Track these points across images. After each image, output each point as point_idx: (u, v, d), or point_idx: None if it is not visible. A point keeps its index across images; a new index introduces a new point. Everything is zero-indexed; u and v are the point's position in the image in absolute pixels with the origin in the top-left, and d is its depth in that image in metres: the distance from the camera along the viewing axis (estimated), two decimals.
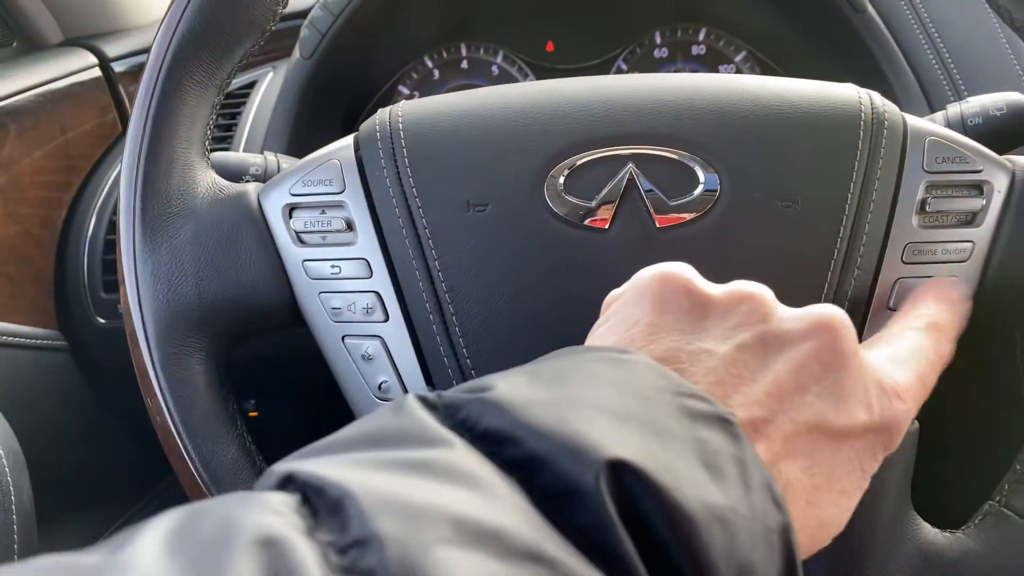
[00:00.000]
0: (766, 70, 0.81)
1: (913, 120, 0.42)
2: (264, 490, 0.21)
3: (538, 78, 0.83)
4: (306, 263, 0.43)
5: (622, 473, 0.22)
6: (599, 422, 0.23)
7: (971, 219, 0.41)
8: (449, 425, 0.23)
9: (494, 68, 0.83)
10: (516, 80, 0.83)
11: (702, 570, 0.22)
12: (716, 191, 0.40)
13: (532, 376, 0.26)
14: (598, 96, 0.42)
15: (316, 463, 0.21)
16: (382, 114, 0.44)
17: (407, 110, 0.44)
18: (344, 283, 0.42)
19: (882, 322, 0.39)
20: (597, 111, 0.41)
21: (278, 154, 0.53)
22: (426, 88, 0.83)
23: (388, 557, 0.18)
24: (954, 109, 0.49)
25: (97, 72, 0.88)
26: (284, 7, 0.46)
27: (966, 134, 0.44)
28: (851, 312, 0.39)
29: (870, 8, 0.70)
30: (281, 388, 0.75)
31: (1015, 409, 0.57)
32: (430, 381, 0.42)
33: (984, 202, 0.41)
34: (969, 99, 0.49)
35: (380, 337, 0.42)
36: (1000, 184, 0.41)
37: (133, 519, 0.87)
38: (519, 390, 0.24)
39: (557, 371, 0.26)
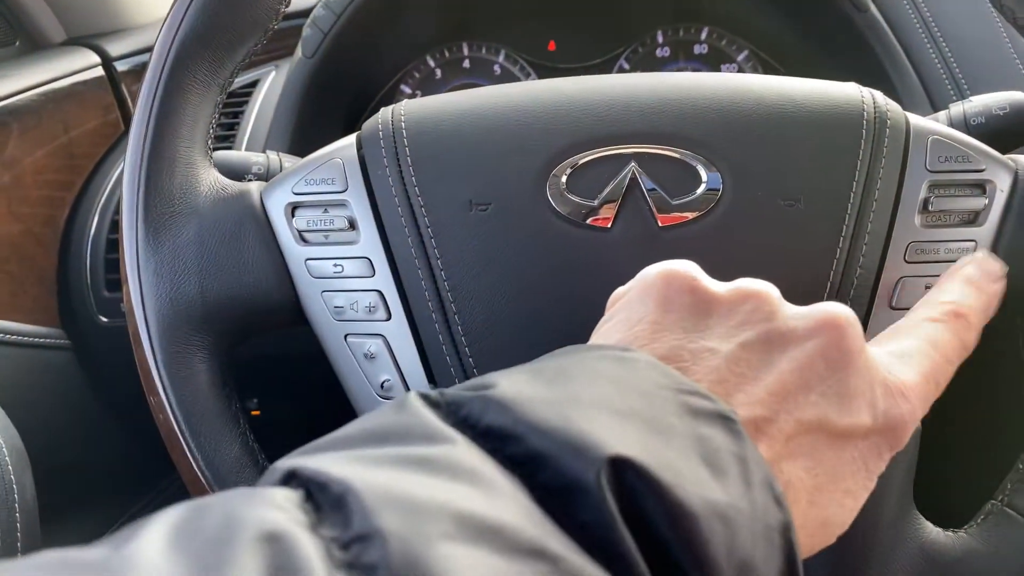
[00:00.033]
0: (768, 69, 0.81)
1: (916, 119, 0.42)
2: (267, 486, 0.21)
3: (540, 77, 0.83)
4: (309, 262, 0.43)
5: (623, 470, 0.22)
6: (601, 419, 0.23)
7: (974, 218, 0.41)
8: (451, 422, 0.23)
9: (496, 67, 0.83)
10: (518, 79, 0.83)
11: (703, 567, 0.22)
12: (718, 190, 0.40)
13: (534, 374, 0.26)
14: (600, 95, 0.42)
15: (319, 459, 0.21)
16: (384, 113, 0.44)
17: (409, 109, 0.44)
18: (346, 282, 0.43)
19: (885, 321, 0.39)
20: (599, 110, 0.41)
21: (280, 153, 0.53)
22: (428, 87, 0.83)
23: (391, 552, 0.18)
24: (957, 108, 0.49)
25: (100, 71, 0.88)
26: (286, 6, 0.46)
27: (969, 133, 0.44)
28: (854, 314, 0.39)
29: (873, 7, 0.70)
30: (283, 387, 0.75)
31: (1017, 408, 0.57)
32: (432, 380, 0.42)
33: (987, 201, 0.41)
34: (972, 98, 0.49)
35: (382, 336, 0.42)
36: (1003, 183, 0.41)
37: (136, 517, 0.87)
38: (521, 388, 0.24)
39: (559, 369, 0.26)
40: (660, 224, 0.40)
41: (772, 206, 0.40)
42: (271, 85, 0.85)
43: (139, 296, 0.43)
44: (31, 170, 0.79)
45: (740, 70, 0.81)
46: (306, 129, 0.74)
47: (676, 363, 0.29)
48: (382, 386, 0.43)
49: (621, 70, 0.83)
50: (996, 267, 0.37)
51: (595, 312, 0.34)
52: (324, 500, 0.20)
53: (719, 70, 0.82)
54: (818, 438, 0.29)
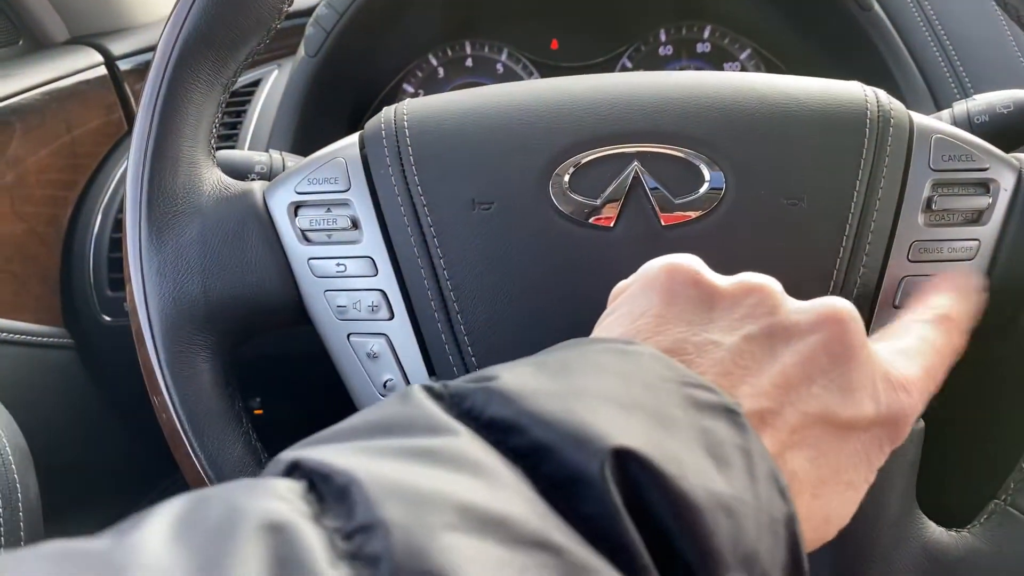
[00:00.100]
0: (771, 68, 0.81)
1: (919, 118, 0.42)
2: (270, 477, 0.21)
3: (543, 76, 0.83)
4: (311, 261, 0.43)
5: (627, 462, 0.22)
6: (604, 411, 0.23)
7: (977, 217, 0.41)
8: (455, 414, 0.23)
9: (499, 66, 0.83)
10: (521, 78, 0.83)
11: (707, 559, 0.22)
12: (721, 189, 0.40)
13: (538, 366, 0.26)
14: (603, 94, 0.42)
15: (322, 451, 0.21)
16: (387, 112, 0.44)
17: (412, 108, 0.44)
18: (349, 281, 0.43)
19: (888, 320, 0.39)
20: (602, 109, 0.41)
21: (283, 152, 0.53)
22: (431, 86, 0.83)
23: (394, 543, 0.18)
24: (960, 107, 0.49)
25: (103, 70, 0.88)
26: (289, 5, 0.46)
27: (972, 132, 0.44)
28: (857, 310, 0.39)
29: (876, 6, 0.70)
30: (286, 386, 0.75)
31: (1020, 408, 0.57)
32: None
33: (990, 200, 0.41)
34: (975, 97, 0.49)
35: (385, 335, 0.42)
36: (1007, 182, 0.41)
37: None
38: (525, 380, 0.24)
39: (563, 362, 0.26)
40: (663, 223, 0.40)
41: (775, 205, 0.40)
42: (274, 84, 0.85)
43: (142, 295, 0.43)
44: (34, 169, 0.80)
45: (743, 69, 0.81)
46: (309, 128, 0.74)
47: (680, 356, 0.29)
48: (385, 385, 0.43)
49: (624, 69, 0.83)
50: (978, 280, 0.39)
51: (598, 311, 0.34)
52: (327, 491, 0.20)
53: (722, 69, 0.82)
54: (822, 430, 0.29)
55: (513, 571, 0.18)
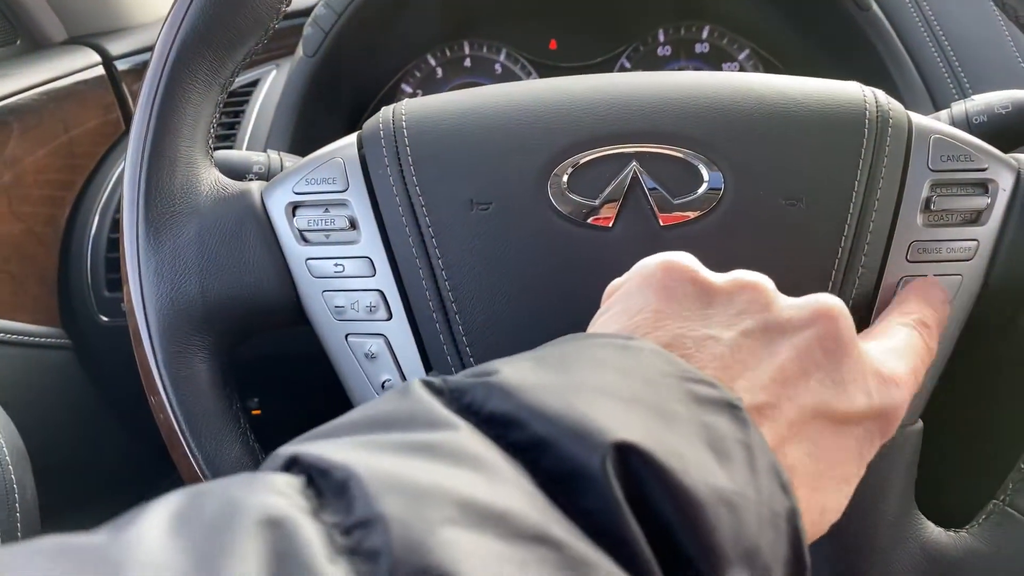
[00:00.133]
0: (770, 68, 0.81)
1: (918, 118, 0.42)
2: (269, 472, 0.21)
3: (541, 76, 0.82)
4: (309, 261, 0.43)
5: (628, 456, 0.22)
6: (605, 406, 0.23)
7: (976, 217, 0.41)
8: (454, 409, 0.23)
9: (497, 66, 0.83)
10: (519, 78, 0.83)
11: (708, 553, 0.22)
12: (720, 189, 0.40)
13: (538, 361, 0.26)
14: (601, 94, 0.42)
15: (321, 445, 0.21)
16: (385, 112, 0.44)
17: (410, 108, 0.44)
18: (347, 281, 0.42)
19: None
20: (600, 109, 0.41)
21: (281, 152, 0.53)
22: (429, 86, 0.83)
23: (393, 538, 0.18)
24: (959, 107, 0.49)
25: (100, 70, 0.88)
26: (288, 5, 0.46)
27: (971, 132, 0.44)
28: (856, 310, 0.39)
29: (875, 5, 0.70)
30: (284, 386, 0.75)
31: (1018, 408, 0.57)
32: None
33: (989, 201, 0.41)
34: (974, 97, 0.49)
35: (383, 336, 0.42)
36: (1005, 182, 0.41)
37: None
38: (524, 374, 0.24)
39: (563, 356, 0.26)
40: (661, 223, 0.40)
41: (774, 205, 0.40)
42: (272, 84, 0.85)
43: (140, 295, 0.43)
44: (32, 169, 0.79)
45: (741, 69, 0.81)
46: (307, 128, 0.74)
47: (679, 351, 0.29)
48: (383, 386, 0.42)
49: (622, 69, 0.83)
50: (944, 291, 0.40)
51: (596, 311, 0.34)
52: (326, 486, 0.20)
53: (720, 69, 0.82)
54: (818, 423, 0.29)
55: (513, 566, 0.18)
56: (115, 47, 0.90)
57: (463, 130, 0.42)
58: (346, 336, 0.43)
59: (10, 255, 0.77)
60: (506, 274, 0.40)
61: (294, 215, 0.43)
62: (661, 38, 0.82)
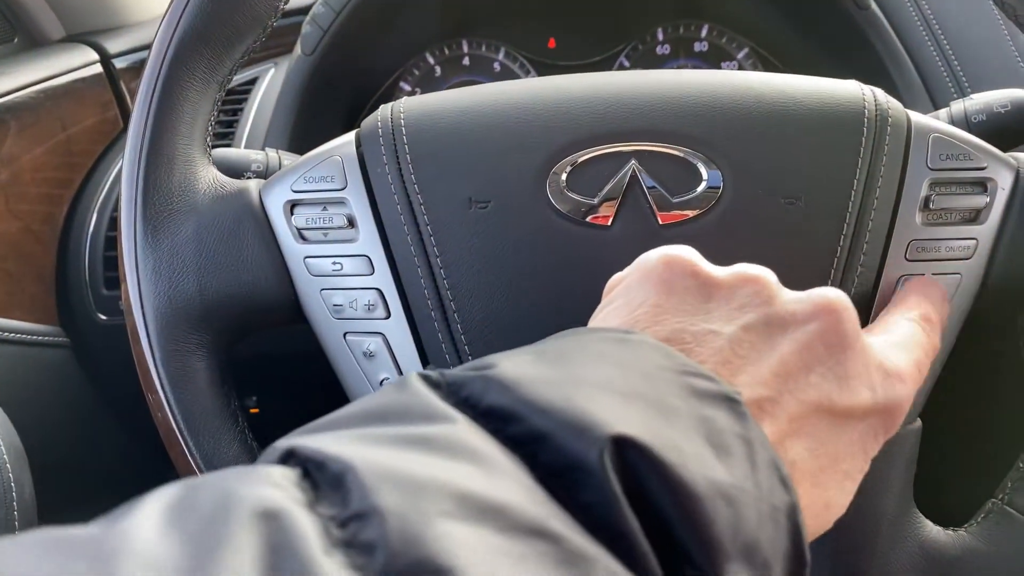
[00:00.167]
0: (769, 67, 0.81)
1: (917, 117, 0.42)
2: (265, 464, 0.21)
3: (540, 75, 0.82)
4: (308, 260, 0.43)
5: (626, 450, 0.22)
6: (603, 400, 0.23)
7: (975, 216, 0.41)
8: (452, 402, 0.23)
9: (496, 65, 0.83)
10: (518, 77, 0.83)
11: (707, 547, 0.21)
12: (719, 188, 0.40)
13: (536, 355, 0.26)
14: (600, 93, 0.42)
15: (318, 439, 0.21)
16: (384, 110, 0.44)
17: (409, 107, 0.43)
18: (346, 280, 0.42)
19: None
20: (599, 108, 0.41)
21: (279, 151, 0.53)
22: (428, 85, 0.83)
23: (389, 530, 0.17)
24: (958, 106, 0.49)
25: (98, 68, 0.88)
26: (286, 3, 0.46)
27: (970, 131, 0.44)
28: (855, 309, 0.39)
29: (873, 5, 0.70)
30: (282, 385, 0.75)
31: (1017, 407, 0.57)
32: None
33: (988, 199, 0.41)
34: (973, 96, 0.49)
35: (382, 334, 0.42)
36: (1004, 181, 0.41)
37: None
38: (523, 368, 0.24)
39: (561, 351, 0.26)
40: (660, 222, 0.40)
41: (773, 204, 0.40)
42: (270, 82, 0.84)
43: (137, 294, 0.43)
44: (29, 168, 0.79)
45: (740, 68, 0.81)
46: (305, 127, 0.74)
47: (679, 345, 0.29)
48: (381, 384, 0.42)
49: (621, 67, 0.83)
50: (943, 289, 0.40)
51: (595, 310, 0.34)
52: (322, 479, 0.20)
53: (719, 68, 0.82)
54: (820, 419, 0.29)
55: (510, 559, 0.18)
56: (113, 45, 0.90)
57: (462, 128, 0.42)
58: (344, 335, 0.43)
59: (8, 253, 0.77)
60: (504, 273, 0.40)
61: (292, 213, 0.43)
62: (660, 37, 0.82)
